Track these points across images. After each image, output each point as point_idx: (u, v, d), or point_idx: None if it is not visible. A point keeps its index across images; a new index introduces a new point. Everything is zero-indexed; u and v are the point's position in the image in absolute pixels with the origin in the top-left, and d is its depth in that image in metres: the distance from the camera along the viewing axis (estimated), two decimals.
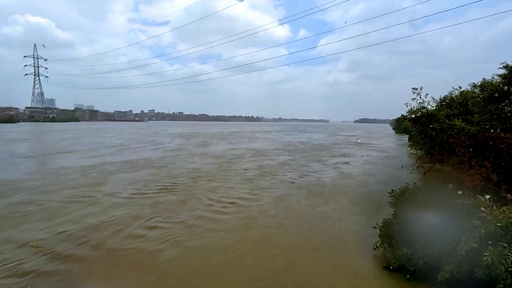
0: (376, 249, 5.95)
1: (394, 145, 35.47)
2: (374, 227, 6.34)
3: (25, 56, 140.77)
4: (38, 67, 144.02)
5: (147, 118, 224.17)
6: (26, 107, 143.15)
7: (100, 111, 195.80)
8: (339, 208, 9.49)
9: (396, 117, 63.02)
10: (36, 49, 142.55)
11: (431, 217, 5.00)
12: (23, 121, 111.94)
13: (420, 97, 8.42)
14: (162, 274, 5.37)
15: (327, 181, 13.72)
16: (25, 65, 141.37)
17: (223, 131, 63.38)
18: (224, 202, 10.02)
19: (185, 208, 9.31)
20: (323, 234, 7.40)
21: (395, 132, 61.64)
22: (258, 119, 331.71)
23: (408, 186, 6.29)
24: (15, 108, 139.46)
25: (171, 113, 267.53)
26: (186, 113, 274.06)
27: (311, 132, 68.80)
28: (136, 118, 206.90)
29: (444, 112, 8.81)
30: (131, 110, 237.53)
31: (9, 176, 13.57)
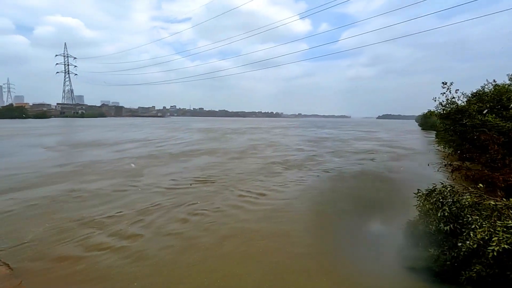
0: (399, 249, 5.82)
1: (420, 142, 34.15)
2: (398, 227, 6.19)
3: (56, 55, 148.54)
4: (68, 65, 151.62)
5: (169, 114, 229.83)
6: (57, 103, 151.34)
7: (124, 107, 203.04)
8: (361, 205, 9.32)
9: (422, 113, 60.67)
10: (66, 48, 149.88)
11: (459, 217, 4.82)
12: (55, 117, 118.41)
13: (450, 92, 8.05)
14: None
15: (350, 176, 13.56)
16: (56, 63, 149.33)
17: (241, 127, 63.76)
18: (249, 197, 10.18)
19: (218, 198, 9.82)
20: (344, 231, 7.32)
21: (421, 129, 59.17)
22: (277, 115, 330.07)
23: (435, 186, 6.06)
24: (48, 104, 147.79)
25: (192, 109, 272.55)
26: (207, 109, 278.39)
27: (331, 128, 67.63)
28: (159, 114, 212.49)
29: (475, 107, 8.38)
30: (154, 106, 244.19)
31: (44, 166, 14.48)
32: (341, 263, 5.77)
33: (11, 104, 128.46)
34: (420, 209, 5.76)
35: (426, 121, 51.72)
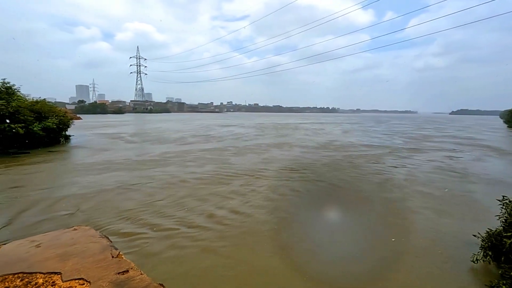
0: (475, 262, 5.06)
1: (506, 140, 29.24)
2: (474, 235, 5.38)
3: (130, 57, 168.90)
4: (139, 66, 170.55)
5: (225, 110, 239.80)
6: (131, 100, 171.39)
7: (186, 103, 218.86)
8: (432, 206, 8.41)
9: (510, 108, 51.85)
10: (139, 51, 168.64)
11: None
12: (128, 112, 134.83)
13: None
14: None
15: (423, 173, 12.72)
16: (130, 65, 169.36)
17: (293, 122, 62.86)
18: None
19: (312, 186, 10.64)
20: (410, 233, 6.66)
21: (508, 126, 50.59)
22: (333, 110, 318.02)
23: None
24: (123, 101, 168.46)
25: (247, 104, 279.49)
26: (261, 105, 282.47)
27: (395, 123, 62.10)
28: (216, 110, 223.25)
29: None
30: (212, 102, 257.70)
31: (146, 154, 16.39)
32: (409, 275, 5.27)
33: (95, 102, 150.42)
34: (504, 219, 4.93)
35: None
